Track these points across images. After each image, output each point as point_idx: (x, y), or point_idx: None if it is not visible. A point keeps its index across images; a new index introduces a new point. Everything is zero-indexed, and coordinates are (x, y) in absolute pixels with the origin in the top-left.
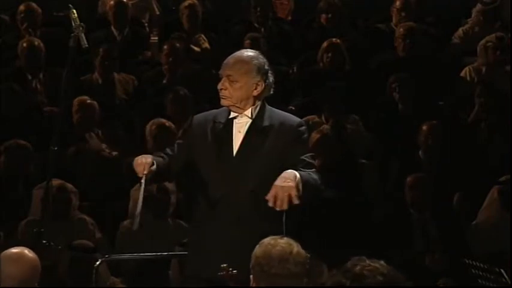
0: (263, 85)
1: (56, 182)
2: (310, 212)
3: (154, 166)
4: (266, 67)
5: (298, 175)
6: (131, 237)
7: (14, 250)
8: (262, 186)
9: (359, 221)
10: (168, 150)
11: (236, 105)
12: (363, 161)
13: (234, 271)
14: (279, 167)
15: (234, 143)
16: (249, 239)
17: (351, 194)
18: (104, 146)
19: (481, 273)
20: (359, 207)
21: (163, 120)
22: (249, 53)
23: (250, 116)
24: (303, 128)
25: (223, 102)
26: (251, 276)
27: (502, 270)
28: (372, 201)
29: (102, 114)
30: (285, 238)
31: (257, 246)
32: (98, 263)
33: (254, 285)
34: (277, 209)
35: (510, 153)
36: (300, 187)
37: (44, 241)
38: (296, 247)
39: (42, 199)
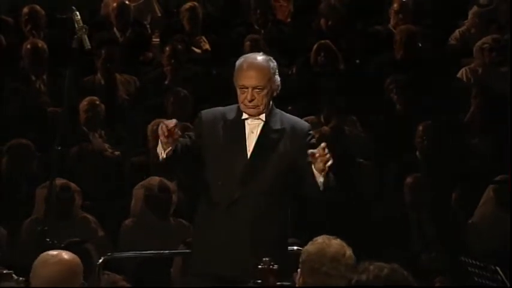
0: (280, 86)
1: (59, 181)
2: (309, 212)
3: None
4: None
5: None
6: (133, 235)
7: (51, 252)
8: (274, 188)
9: (357, 220)
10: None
11: (263, 111)
12: (361, 160)
13: (275, 266)
14: (288, 169)
15: (247, 144)
16: (259, 239)
17: (349, 194)
18: (106, 145)
19: (477, 271)
20: (357, 206)
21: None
22: (261, 56)
23: (263, 117)
24: (312, 132)
25: (252, 112)
26: (298, 270)
27: (497, 268)
28: (370, 201)
29: (105, 115)
30: (338, 239)
31: (309, 243)
32: (100, 260)
33: (301, 280)
34: (320, 159)
35: (505, 153)
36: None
37: (48, 239)
38: (348, 250)
39: (46, 198)
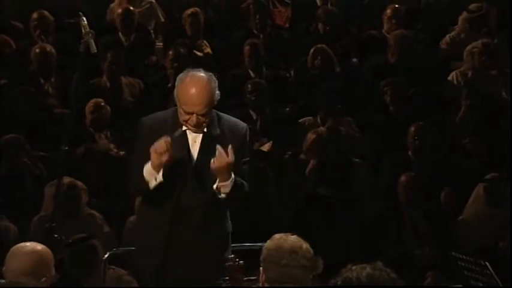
0: (219, 96)
1: (66, 179)
2: (305, 211)
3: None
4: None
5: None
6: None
7: (22, 244)
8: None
9: (352, 218)
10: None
11: (205, 126)
12: (356, 160)
13: (241, 262)
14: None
15: (192, 153)
16: (206, 241)
17: (345, 192)
18: (111, 145)
19: (467, 265)
20: (352, 204)
21: None
22: (204, 78)
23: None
24: (248, 132)
25: (194, 130)
26: (260, 268)
27: (487, 263)
28: (365, 199)
29: (110, 116)
30: (295, 235)
31: (268, 240)
32: (106, 255)
33: (263, 277)
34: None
35: (495, 152)
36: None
37: (56, 235)
38: (305, 244)
39: (54, 196)
